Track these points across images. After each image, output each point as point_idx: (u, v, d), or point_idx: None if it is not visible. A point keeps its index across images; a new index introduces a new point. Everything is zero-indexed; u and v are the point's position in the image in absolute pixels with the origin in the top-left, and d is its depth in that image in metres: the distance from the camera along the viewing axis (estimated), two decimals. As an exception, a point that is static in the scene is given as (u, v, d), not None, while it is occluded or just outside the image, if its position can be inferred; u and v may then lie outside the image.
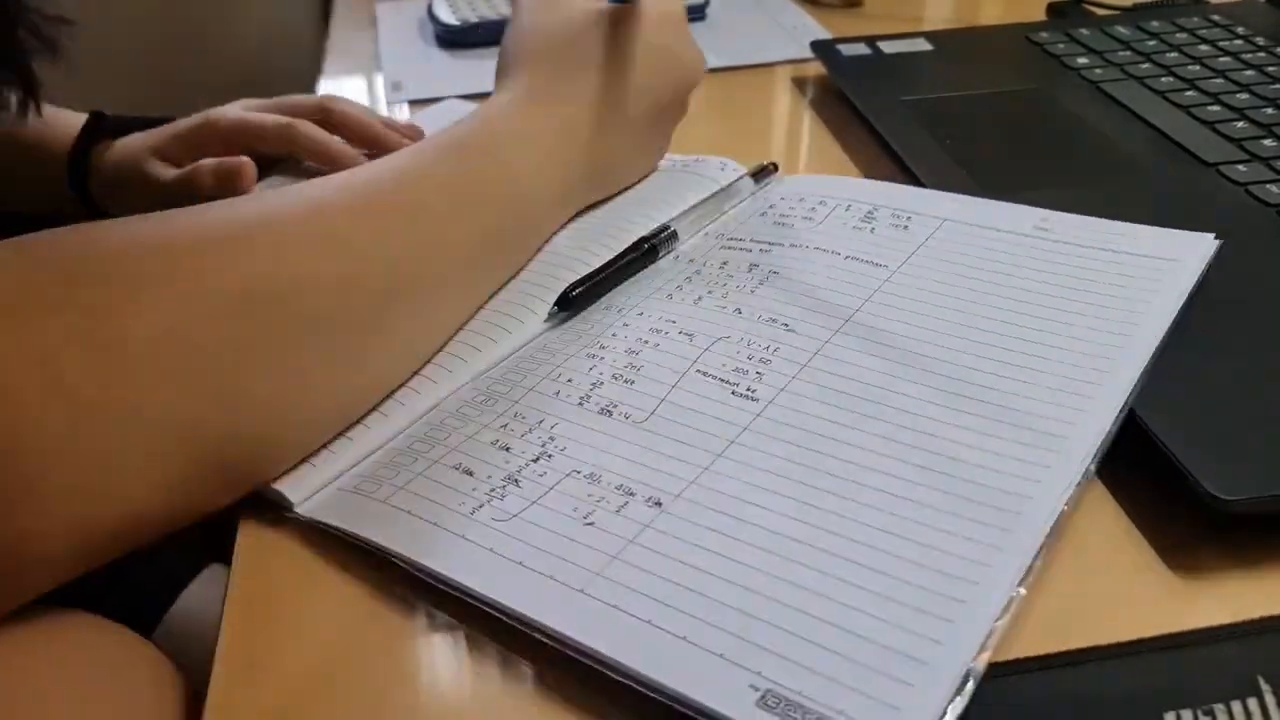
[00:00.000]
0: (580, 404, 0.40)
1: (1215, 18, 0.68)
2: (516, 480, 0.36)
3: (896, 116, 0.60)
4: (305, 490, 0.37)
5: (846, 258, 0.47)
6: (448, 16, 0.75)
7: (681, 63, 0.51)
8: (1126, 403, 0.37)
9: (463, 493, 0.36)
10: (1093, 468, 0.35)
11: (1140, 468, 0.38)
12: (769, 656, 0.29)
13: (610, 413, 0.39)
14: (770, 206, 0.52)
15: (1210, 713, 0.28)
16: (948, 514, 0.33)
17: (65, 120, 0.62)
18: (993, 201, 0.49)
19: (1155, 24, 0.69)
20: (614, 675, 0.29)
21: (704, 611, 0.30)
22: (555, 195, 0.48)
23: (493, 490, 0.36)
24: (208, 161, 0.54)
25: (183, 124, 0.58)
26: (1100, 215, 0.50)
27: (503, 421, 0.40)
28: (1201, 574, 0.34)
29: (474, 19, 0.75)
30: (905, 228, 0.48)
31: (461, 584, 0.33)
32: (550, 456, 0.37)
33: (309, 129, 0.56)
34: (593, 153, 0.48)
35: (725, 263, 0.48)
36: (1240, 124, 0.56)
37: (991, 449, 0.35)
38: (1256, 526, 0.35)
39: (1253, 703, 0.29)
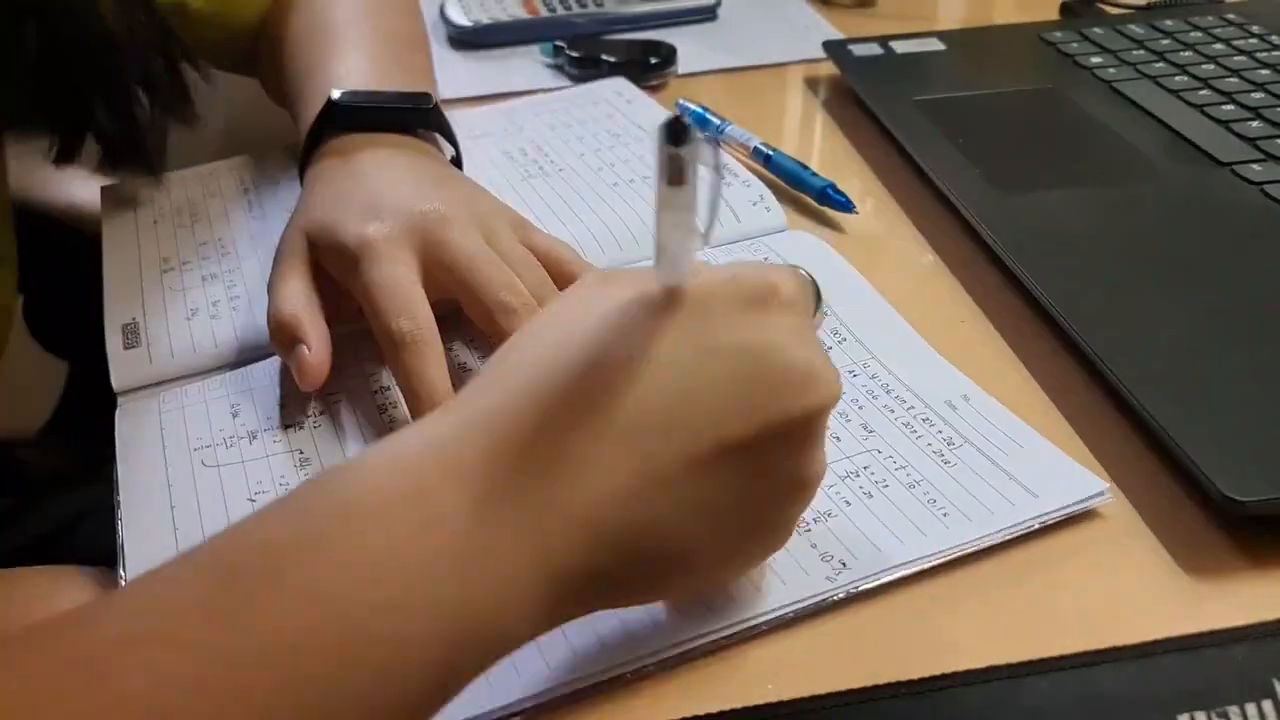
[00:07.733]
0: (375, 392, 0.42)
1: (1230, 16, 0.68)
2: (255, 435, 0.40)
3: (909, 117, 0.60)
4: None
5: None
6: (460, 18, 0.75)
7: (772, 374, 0.29)
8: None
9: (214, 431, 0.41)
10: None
11: (1154, 469, 0.38)
12: None
13: (384, 410, 0.41)
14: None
15: (1224, 714, 0.28)
16: None
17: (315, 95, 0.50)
18: (934, 354, 0.43)
19: (1169, 23, 0.68)
20: None
21: None
22: (498, 625, 0.26)
23: (231, 437, 0.40)
24: (308, 355, 0.40)
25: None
26: (1111, 216, 0.50)
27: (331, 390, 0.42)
28: (1215, 576, 0.34)
29: (485, 20, 0.75)
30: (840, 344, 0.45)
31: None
32: (300, 428, 0.40)
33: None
34: (597, 536, 0.27)
35: None
36: (1255, 123, 0.56)
37: None
38: (1271, 528, 0.35)
39: (1267, 704, 0.29)
